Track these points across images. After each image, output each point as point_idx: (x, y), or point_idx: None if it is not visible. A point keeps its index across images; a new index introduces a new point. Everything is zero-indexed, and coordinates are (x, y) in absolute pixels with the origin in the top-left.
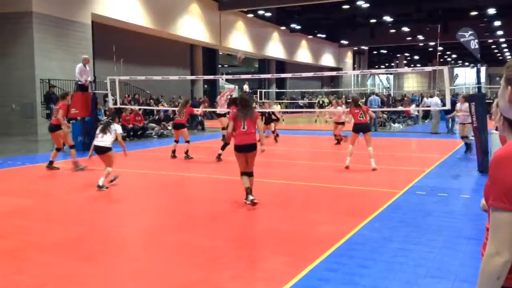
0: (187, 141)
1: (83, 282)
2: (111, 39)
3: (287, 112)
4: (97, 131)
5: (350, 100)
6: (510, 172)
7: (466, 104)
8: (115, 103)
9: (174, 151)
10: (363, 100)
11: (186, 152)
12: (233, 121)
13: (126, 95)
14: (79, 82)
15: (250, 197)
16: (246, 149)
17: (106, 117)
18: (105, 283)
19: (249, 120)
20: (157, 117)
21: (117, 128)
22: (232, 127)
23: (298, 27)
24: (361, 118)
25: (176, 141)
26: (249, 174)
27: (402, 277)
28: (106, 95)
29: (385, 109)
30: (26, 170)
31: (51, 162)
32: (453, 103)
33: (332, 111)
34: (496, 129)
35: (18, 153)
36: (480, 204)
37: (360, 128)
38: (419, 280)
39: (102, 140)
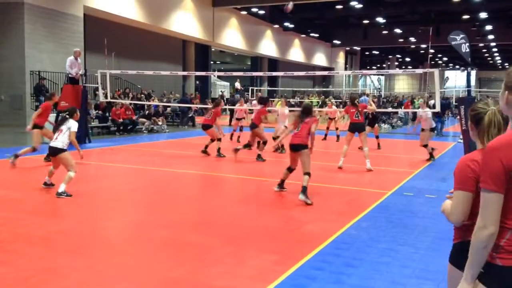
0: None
1: (69, 275)
2: (103, 32)
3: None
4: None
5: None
6: (496, 159)
7: (428, 110)
8: (106, 97)
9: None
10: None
11: (218, 150)
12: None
13: (117, 89)
14: (70, 75)
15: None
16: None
17: (96, 112)
18: (90, 277)
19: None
20: (147, 112)
21: (72, 125)
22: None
23: (291, 25)
24: (357, 118)
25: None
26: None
27: (388, 277)
28: (96, 89)
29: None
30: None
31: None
32: (443, 106)
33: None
34: None
35: (6, 145)
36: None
37: (356, 128)
38: (405, 280)
39: (56, 140)
